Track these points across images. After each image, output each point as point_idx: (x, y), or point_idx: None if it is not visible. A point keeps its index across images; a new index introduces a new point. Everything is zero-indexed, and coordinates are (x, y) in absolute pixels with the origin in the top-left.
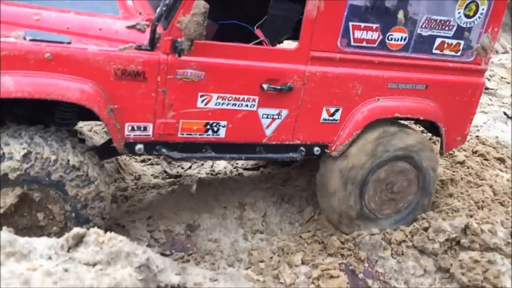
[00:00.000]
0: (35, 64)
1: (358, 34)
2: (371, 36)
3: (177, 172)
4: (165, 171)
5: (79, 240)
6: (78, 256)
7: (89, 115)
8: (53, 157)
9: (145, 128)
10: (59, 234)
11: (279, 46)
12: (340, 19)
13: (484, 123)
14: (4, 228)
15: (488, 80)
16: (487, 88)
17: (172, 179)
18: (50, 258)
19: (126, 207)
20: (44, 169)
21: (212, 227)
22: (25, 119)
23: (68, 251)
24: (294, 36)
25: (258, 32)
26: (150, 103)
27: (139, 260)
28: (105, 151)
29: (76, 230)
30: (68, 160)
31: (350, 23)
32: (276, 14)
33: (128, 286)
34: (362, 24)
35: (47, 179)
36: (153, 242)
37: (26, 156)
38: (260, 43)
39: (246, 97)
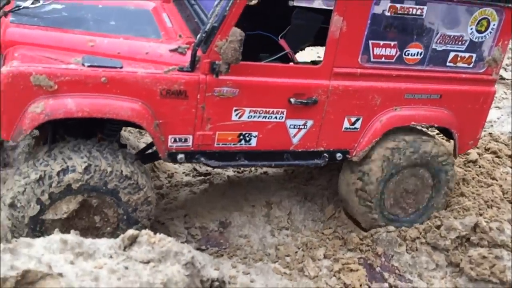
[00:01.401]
0: (93, 87)
1: (377, 51)
2: (390, 52)
3: (206, 170)
4: (195, 169)
5: (133, 240)
6: (134, 255)
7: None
8: (109, 169)
9: (185, 140)
10: (111, 234)
11: (300, 53)
12: (361, 38)
13: (498, 118)
14: (72, 231)
15: (505, 70)
16: (503, 78)
17: (202, 177)
18: (111, 257)
19: (163, 205)
20: (101, 179)
21: (242, 224)
22: (73, 133)
23: (124, 250)
24: (315, 43)
25: (282, 42)
26: (191, 118)
27: (186, 258)
28: (146, 156)
29: (130, 231)
30: (122, 171)
31: (370, 42)
32: (299, 24)
33: (178, 281)
34: (381, 42)
35: (104, 188)
36: (190, 238)
37: (86, 169)
38: (286, 54)
39: (275, 110)
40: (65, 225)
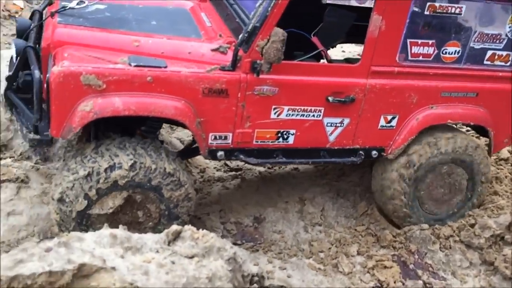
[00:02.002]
0: (139, 86)
1: (415, 49)
2: (427, 50)
3: (237, 166)
4: (226, 164)
5: (176, 236)
6: (178, 250)
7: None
8: (153, 166)
9: (225, 137)
10: (153, 229)
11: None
12: (400, 37)
13: None
14: (120, 226)
15: None
16: None
17: (234, 172)
18: (157, 251)
19: (198, 200)
20: (146, 176)
21: (276, 220)
22: (112, 130)
23: (168, 245)
24: (346, 41)
25: (315, 39)
26: (231, 116)
27: (228, 253)
28: (186, 153)
29: (174, 227)
30: (165, 168)
31: (408, 40)
32: (331, 21)
33: (222, 276)
34: (419, 41)
35: (148, 184)
36: (226, 233)
37: (132, 166)
38: (318, 52)
39: (313, 108)
40: (110, 220)
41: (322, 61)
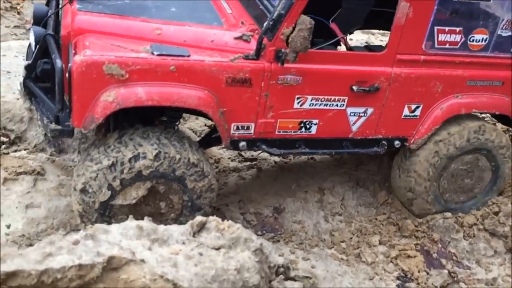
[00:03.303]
0: (162, 76)
1: (442, 37)
2: (454, 38)
3: (252, 156)
4: (240, 154)
5: (201, 227)
6: (204, 241)
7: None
8: (177, 156)
9: (248, 127)
10: (175, 220)
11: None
12: (427, 24)
13: None
14: (146, 218)
15: None
16: None
17: (249, 163)
18: (183, 243)
19: None
20: (170, 166)
21: (296, 210)
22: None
23: (193, 236)
24: (364, 27)
25: (333, 26)
26: (254, 106)
27: (255, 245)
28: (205, 142)
29: (199, 218)
30: (189, 158)
31: (436, 28)
32: (350, 8)
33: (250, 267)
34: (447, 28)
35: (172, 174)
36: (246, 224)
37: (157, 156)
38: (339, 40)
39: (337, 97)
40: (132, 211)
41: (339, 48)
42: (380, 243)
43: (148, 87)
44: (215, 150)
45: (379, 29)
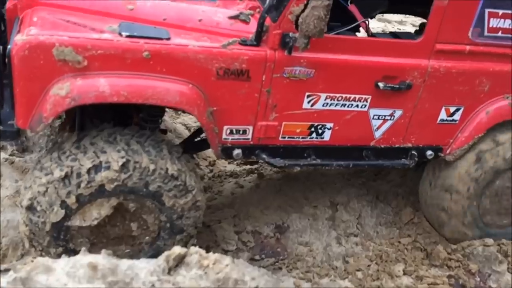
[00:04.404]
0: (132, 64)
1: (494, 22)
2: (509, 24)
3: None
4: None
5: (179, 261)
6: (181, 282)
7: None
8: (151, 166)
9: (244, 132)
10: (150, 244)
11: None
12: (476, 6)
13: None
14: (103, 251)
15: None
16: None
17: (249, 166)
18: (153, 285)
19: (207, 201)
20: (142, 179)
21: (303, 229)
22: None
23: (169, 273)
24: (388, 10)
25: (352, 7)
26: (252, 104)
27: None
28: (191, 145)
29: (177, 250)
30: (167, 169)
31: (487, 10)
32: None
33: None
34: (500, 11)
35: (144, 189)
36: (241, 246)
37: (124, 166)
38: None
39: (357, 96)
40: (95, 233)
41: (358, 35)
42: (405, 273)
43: (114, 79)
44: (210, 151)
45: (408, 14)
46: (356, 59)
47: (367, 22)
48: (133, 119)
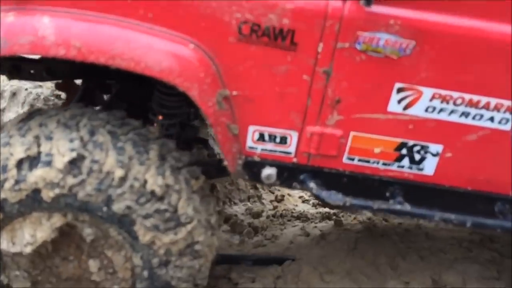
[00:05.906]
0: (99, 2)
1: None
2: None
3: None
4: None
5: None
6: None
7: None
8: (118, 173)
9: (283, 140)
10: None
11: None
12: None
13: None
14: None
15: None
16: None
17: (326, 210)
18: None
19: (248, 246)
20: (101, 191)
21: None
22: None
23: None
24: None
25: None
26: (298, 94)
27: None
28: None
29: None
30: (145, 181)
31: None
32: None
33: None
34: None
35: (105, 208)
36: None
37: (73, 164)
38: None
39: (496, 102)
40: (38, 266)
41: None
42: None
43: (65, 20)
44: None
45: None
46: (499, 30)
47: None
48: (156, 117)
